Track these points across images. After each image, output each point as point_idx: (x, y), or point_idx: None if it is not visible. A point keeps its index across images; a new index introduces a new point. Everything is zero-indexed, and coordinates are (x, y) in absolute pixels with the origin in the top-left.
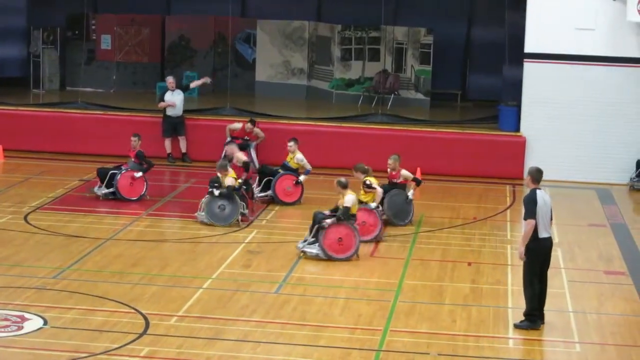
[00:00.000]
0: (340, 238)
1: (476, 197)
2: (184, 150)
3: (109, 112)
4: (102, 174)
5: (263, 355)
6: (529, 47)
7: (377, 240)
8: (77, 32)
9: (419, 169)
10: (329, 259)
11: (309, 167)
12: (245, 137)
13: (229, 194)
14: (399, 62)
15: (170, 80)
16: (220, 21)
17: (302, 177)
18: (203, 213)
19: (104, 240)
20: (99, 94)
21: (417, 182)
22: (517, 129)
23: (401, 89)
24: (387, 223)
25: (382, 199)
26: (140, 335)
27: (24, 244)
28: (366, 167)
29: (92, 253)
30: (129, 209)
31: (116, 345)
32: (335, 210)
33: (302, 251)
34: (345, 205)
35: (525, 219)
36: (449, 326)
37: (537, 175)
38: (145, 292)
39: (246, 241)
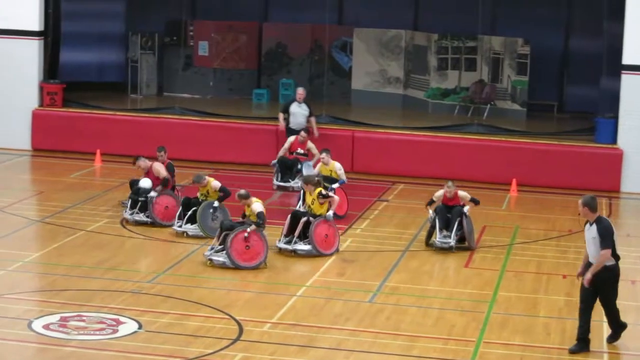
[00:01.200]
0: (247, 246)
1: (572, 210)
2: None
3: (206, 119)
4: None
5: None
6: (627, 59)
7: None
8: (174, 38)
9: (514, 180)
10: (236, 267)
11: (344, 178)
12: (299, 150)
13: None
14: (495, 72)
15: (300, 91)
16: (317, 29)
17: (335, 185)
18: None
19: (199, 246)
20: (196, 100)
21: (476, 202)
22: (614, 142)
23: (497, 99)
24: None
25: (460, 221)
26: (234, 341)
27: (120, 247)
28: (316, 178)
29: (188, 258)
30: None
31: (210, 351)
32: (243, 217)
33: (209, 259)
34: (258, 211)
35: (602, 248)
36: (544, 339)
37: (593, 203)
38: (240, 299)
39: (341, 250)
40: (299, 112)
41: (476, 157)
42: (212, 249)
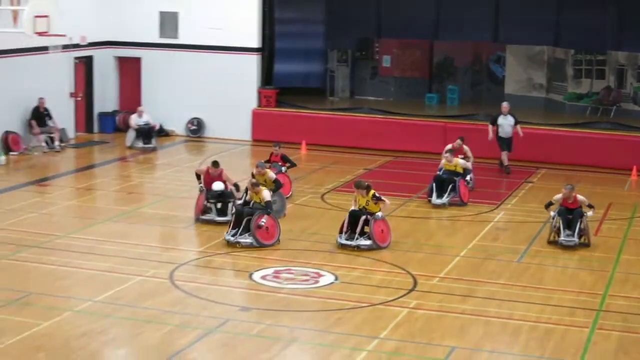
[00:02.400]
0: (267, 227)
1: None
2: (505, 162)
3: (388, 117)
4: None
5: (506, 310)
6: None
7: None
8: (364, 52)
9: (634, 167)
10: (261, 246)
11: (470, 166)
12: (461, 157)
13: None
14: (620, 80)
15: (504, 105)
16: (477, 45)
17: (468, 177)
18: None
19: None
20: (381, 102)
21: (592, 207)
22: None
23: (622, 102)
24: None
25: (581, 222)
26: (410, 291)
27: (320, 217)
28: (365, 183)
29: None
30: (406, 192)
31: (390, 298)
32: (247, 203)
33: (237, 242)
34: (267, 199)
35: None
36: None
37: None
38: (414, 257)
39: (495, 220)
40: (505, 123)
41: (604, 148)
42: (234, 233)
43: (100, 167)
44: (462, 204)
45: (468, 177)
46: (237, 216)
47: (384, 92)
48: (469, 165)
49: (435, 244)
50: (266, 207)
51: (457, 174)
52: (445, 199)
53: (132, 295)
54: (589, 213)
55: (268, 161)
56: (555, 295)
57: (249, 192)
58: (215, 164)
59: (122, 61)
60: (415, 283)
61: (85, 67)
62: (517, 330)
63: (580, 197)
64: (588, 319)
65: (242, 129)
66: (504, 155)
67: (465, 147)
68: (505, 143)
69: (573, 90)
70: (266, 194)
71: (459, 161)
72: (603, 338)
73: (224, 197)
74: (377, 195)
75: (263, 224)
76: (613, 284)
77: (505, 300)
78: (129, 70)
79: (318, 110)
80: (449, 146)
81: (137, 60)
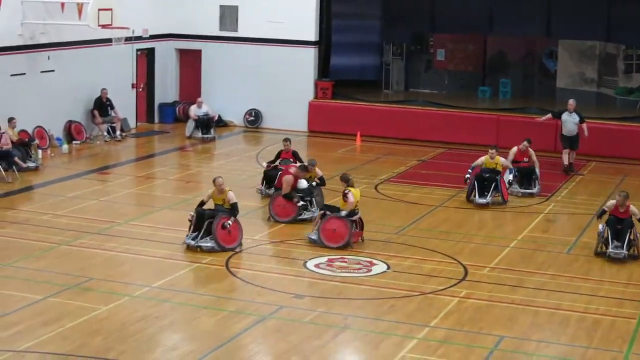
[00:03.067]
0: (229, 230)
1: None
2: (565, 162)
3: (442, 109)
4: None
5: (554, 301)
6: None
7: (346, 247)
8: (418, 46)
9: None
10: (222, 250)
11: (511, 165)
12: (525, 159)
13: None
14: None
15: (571, 102)
16: (530, 39)
17: (509, 176)
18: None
19: (435, 207)
20: (435, 94)
21: None
22: None
23: None
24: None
25: (631, 233)
26: (460, 280)
27: (375, 207)
28: (349, 177)
29: (426, 216)
30: (455, 183)
31: (441, 287)
32: (202, 204)
33: (198, 246)
34: (233, 202)
35: None
36: None
37: None
38: (465, 248)
39: (545, 212)
40: (569, 121)
41: None
42: (194, 237)
43: (159, 157)
44: (503, 202)
45: (511, 176)
46: (198, 219)
47: (438, 85)
48: (509, 164)
49: (486, 235)
50: (232, 210)
51: (498, 172)
52: (489, 198)
53: (189, 281)
54: None
55: (277, 158)
56: (604, 286)
57: (211, 193)
58: (304, 167)
59: (183, 53)
60: (466, 273)
61: (147, 58)
62: (565, 320)
63: (633, 208)
64: (636, 310)
65: (299, 120)
66: (565, 155)
67: (531, 150)
68: (568, 141)
69: (624, 84)
70: (231, 196)
71: (501, 159)
72: None
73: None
74: (346, 192)
75: (229, 225)
76: None
77: (554, 290)
78: (190, 62)
79: (373, 102)
80: (515, 148)
81: (198, 53)
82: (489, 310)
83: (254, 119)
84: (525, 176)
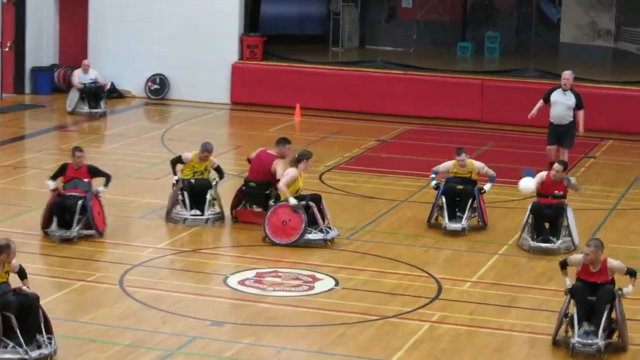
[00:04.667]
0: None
1: None
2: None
3: (409, 72)
4: None
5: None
6: None
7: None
8: None
9: None
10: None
11: (492, 172)
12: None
13: None
14: None
15: (566, 76)
16: None
17: (487, 186)
18: None
19: (399, 202)
20: (399, 52)
21: (633, 276)
22: None
23: None
24: None
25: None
26: (433, 299)
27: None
28: (304, 153)
29: (387, 214)
30: (425, 170)
31: (408, 309)
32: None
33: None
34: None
35: None
36: None
37: None
38: (439, 256)
39: None
40: (561, 102)
41: None
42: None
43: (32, 139)
44: (483, 225)
45: (489, 185)
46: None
47: (404, 40)
48: (490, 171)
49: (467, 239)
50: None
51: (473, 182)
52: (464, 222)
53: (70, 305)
54: (627, 289)
55: (60, 174)
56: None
57: (192, 157)
58: (283, 141)
59: (64, 2)
60: (440, 289)
61: (14, 8)
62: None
63: (613, 262)
64: None
65: (218, 89)
66: (552, 151)
67: (571, 179)
68: (555, 133)
69: None
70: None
71: (476, 164)
72: None
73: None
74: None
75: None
76: None
77: (557, 311)
78: (72, 14)
79: (317, 65)
80: (542, 174)
81: (83, 2)
82: (471, 338)
83: (158, 88)
84: (546, 220)
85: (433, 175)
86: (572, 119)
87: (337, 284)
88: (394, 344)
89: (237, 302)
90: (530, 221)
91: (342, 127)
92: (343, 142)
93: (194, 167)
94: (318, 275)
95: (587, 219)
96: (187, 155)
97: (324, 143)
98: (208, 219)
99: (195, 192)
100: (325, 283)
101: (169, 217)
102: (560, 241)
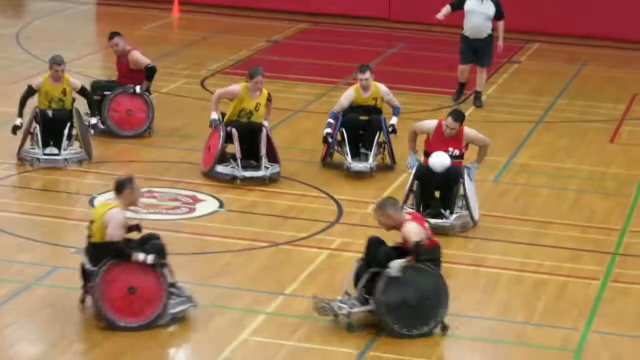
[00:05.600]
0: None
1: None
2: (478, 88)
3: None
4: None
5: (474, 254)
6: None
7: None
8: None
9: None
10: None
11: (397, 102)
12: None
13: None
14: None
15: None
16: None
17: (394, 120)
18: None
19: (295, 112)
20: None
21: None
22: None
23: None
24: None
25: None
26: (332, 224)
27: (200, 114)
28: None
29: (281, 125)
30: (327, 76)
31: (303, 235)
32: None
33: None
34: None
35: None
36: None
37: None
38: (340, 175)
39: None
40: (477, 12)
41: (634, 12)
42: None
43: None
44: (392, 165)
45: (396, 119)
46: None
47: None
48: (395, 100)
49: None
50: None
51: (378, 111)
52: (370, 161)
53: None
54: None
55: None
56: (550, 231)
57: (42, 81)
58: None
59: None
60: (341, 212)
61: None
62: (493, 281)
63: (470, 131)
64: (598, 266)
65: None
66: (465, 72)
67: (469, 131)
68: (470, 49)
69: None
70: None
71: (381, 88)
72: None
73: None
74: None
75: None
76: (636, 214)
77: (475, 238)
78: None
79: None
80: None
81: None
82: None
83: None
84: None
85: (330, 121)
86: (490, 32)
87: (221, 205)
88: (287, 274)
89: None
90: (415, 189)
91: (228, 25)
92: (228, 42)
93: (48, 93)
94: (199, 196)
95: (511, 133)
96: (38, 79)
97: (206, 44)
98: (66, 159)
99: (52, 126)
100: (207, 205)
101: (19, 156)
102: (454, 215)
